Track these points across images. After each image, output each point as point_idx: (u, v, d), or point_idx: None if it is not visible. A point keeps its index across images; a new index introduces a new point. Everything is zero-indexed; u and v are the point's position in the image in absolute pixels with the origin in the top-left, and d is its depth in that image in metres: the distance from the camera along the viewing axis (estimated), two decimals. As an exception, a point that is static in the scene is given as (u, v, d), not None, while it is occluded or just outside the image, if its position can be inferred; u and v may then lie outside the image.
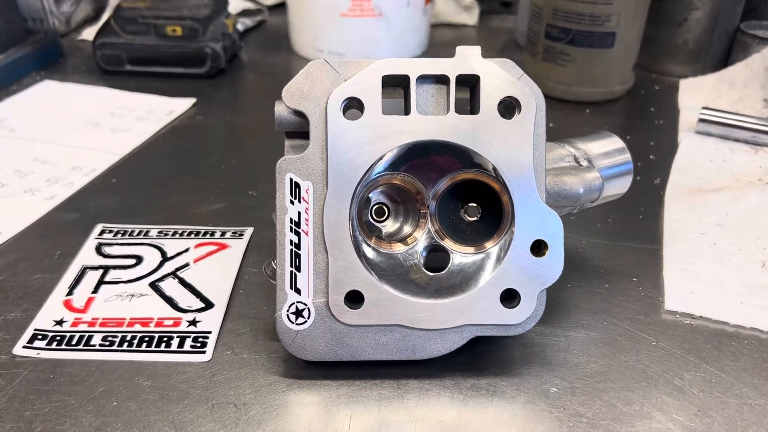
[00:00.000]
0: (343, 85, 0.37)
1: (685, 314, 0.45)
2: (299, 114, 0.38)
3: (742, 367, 0.41)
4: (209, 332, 0.42)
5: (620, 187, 0.45)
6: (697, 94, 0.77)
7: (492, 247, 0.39)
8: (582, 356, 0.41)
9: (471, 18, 1.01)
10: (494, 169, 0.38)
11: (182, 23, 0.78)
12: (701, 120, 0.68)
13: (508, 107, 0.38)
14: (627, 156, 0.45)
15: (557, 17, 0.72)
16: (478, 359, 0.41)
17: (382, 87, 0.38)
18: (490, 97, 0.38)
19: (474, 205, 0.41)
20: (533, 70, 0.78)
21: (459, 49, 0.38)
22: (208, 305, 0.45)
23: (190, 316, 0.44)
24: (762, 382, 0.40)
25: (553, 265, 0.38)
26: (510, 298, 0.38)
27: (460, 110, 0.38)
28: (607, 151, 0.45)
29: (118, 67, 0.80)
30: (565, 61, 0.73)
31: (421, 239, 0.40)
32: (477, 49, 0.38)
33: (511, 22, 1.01)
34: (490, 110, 0.38)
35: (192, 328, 0.43)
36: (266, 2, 1.02)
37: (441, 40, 0.96)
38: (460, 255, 0.40)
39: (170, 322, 0.43)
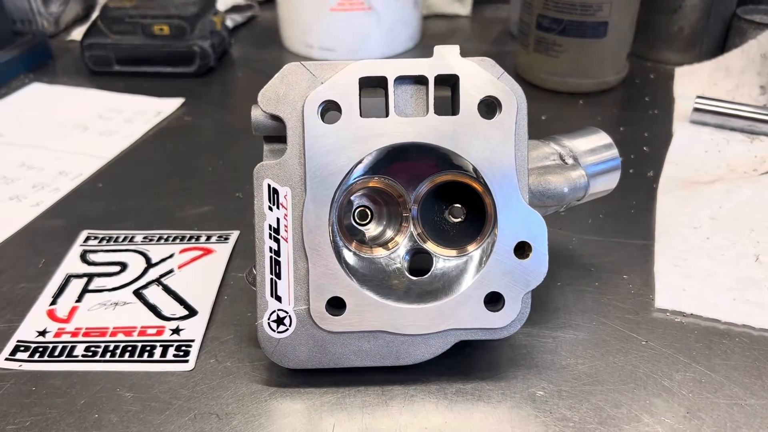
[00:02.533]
0: (319, 88, 0.37)
1: (675, 312, 0.44)
2: (276, 118, 0.37)
3: (732, 365, 0.40)
4: (192, 340, 0.42)
5: (608, 183, 0.44)
6: (692, 82, 0.76)
7: (474, 251, 0.39)
8: (570, 358, 0.41)
9: (464, 8, 0.99)
10: (475, 170, 0.37)
11: (169, 22, 0.77)
12: (696, 109, 0.67)
13: (489, 107, 0.37)
14: (614, 152, 0.44)
15: (548, 7, 0.71)
16: (465, 363, 0.40)
17: (363, 88, 0.37)
18: (470, 97, 0.37)
19: (458, 205, 0.40)
20: (525, 62, 0.76)
21: (437, 48, 0.37)
22: (192, 312, 0.44)
23: (173, 324, 0.43)
24: (752, 381, 0.39)
25: (537, 266, 0.37)
26: (494, 301, 0.38)
27: (440, 110, 0.37)
28: (593, 147, 0.44)
29: (107, 67, 0.79)
30: (558, 52, 0.72)
31: (402, 243, 0.40)
32: (455, 49, 0.37)
33: (505, 12, 1.00)
34: (470, 110, 0.37)
35: (175, 337, 0.42)
36: (257, -3, 1.01)
37: (433, 32, 0.95)
38: (443, 259, 0.40)
39: (153, 331, 0.43)
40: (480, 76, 0.37)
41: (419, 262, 0.40)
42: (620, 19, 0.70)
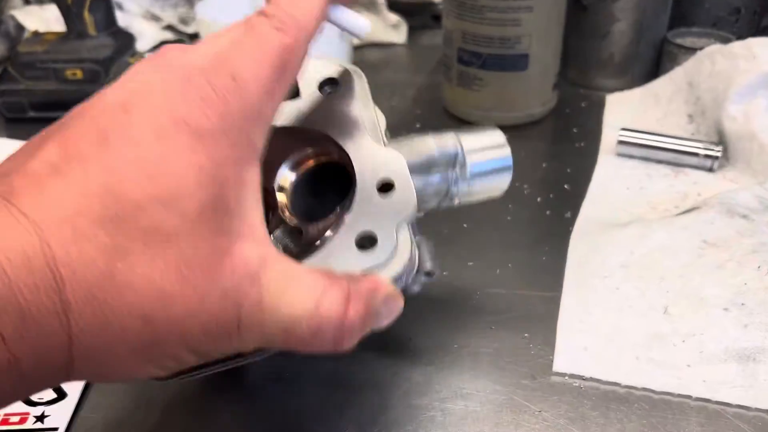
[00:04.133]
0: None
1: (574, 376, 0.42)
2: None
3: (627, 437, 0.38)
4: (56, 429, 0.39)
5: (497, 182, 0.41)
6: (623, 111, 0.74)
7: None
8: (456, 434, 0.38)
9: (399, 36, 0.97)
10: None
11: (82, 66, 0.74)
12: (620, 142, 0.65)
13: (328, 86, 0.38)
14: (506, 151, 0.41)
15: (467, 41, 0.69)
16: (343, 445, 0.38)
17: None
18: (310, 82, 0.38)
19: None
20: (450, 96, 0.74)
21: None
22: (61, 396, 0.41)
23: (38, 410, 0.40)
24: (646, 456, 0.37)
25: (405, 198, 0.34)
26: (367, 242, 0.33)
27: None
28: (484, 145, 0.41)
29: (22, 114, 0.76)
30: (480, 86, 0.70)
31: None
32: None
33: (441, 38, 0.97)
34: (312, 91, 0.38)
35: (38, 425, 0.39)
36: (189, 31, 0.99)
37: (367, 61, 0.93)
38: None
39: (17, 419, 0.40)
40: (318, 64, 0.38)
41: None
42: (542, 51, 0.69)
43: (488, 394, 0.41)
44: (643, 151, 0.65)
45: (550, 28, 0.68)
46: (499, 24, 0.66)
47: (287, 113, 0.37)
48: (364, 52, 0.95)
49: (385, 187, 0.35)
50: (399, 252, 0.33)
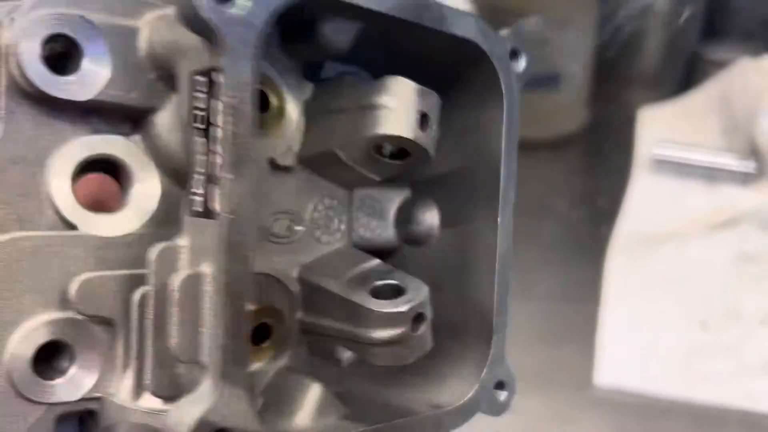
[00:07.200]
0: None
1: (616, 389, 0.43)
2: None
3: (670, 448, 0.39)
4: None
5: None
6: (655, 126, 0.75)
7: None
8: (504, 446, 0.40)
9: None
10: None
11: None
12: (656, 159, 0.66)
13: None
14: None
15: (501, 61, 0.71)
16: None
17: None
18: None
19: None
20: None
21: None
22: None
23: None
24: (689, 467, 0.38)
25: None
26: None
27: None
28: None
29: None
30: (513, 105, 0.72)
31: None
32: None
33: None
34: None
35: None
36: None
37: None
38: None
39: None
40: None
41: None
42: (573, 69, 0.70)
43: (533, 407, 0.43)
44: (677, 166, 0.66)
45: (581, 46, 0.70)
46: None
47: None
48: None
49: None
50: None
